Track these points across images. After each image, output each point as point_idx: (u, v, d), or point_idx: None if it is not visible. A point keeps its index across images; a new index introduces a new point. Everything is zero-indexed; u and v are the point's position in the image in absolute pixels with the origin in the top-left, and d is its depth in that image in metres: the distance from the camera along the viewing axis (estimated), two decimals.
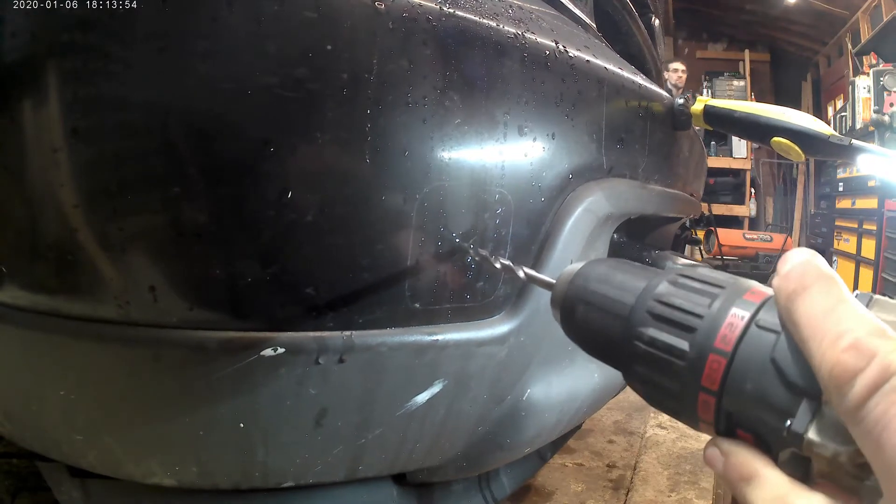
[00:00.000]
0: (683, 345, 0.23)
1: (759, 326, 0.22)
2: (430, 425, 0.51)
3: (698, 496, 1.34)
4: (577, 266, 0.31)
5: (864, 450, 0.18)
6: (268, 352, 0.42)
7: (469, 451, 0.57)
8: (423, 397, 0.49)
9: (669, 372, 0.23)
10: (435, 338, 0.47)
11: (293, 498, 0.53)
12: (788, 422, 0.20)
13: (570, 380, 0.62)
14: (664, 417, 1.84)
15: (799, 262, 0.21)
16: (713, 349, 0.22)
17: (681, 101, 0.79)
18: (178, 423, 0.45)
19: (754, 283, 0.24)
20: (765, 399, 0.21)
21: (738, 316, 0.22)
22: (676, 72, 3.86)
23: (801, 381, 0.20)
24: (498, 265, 0.42)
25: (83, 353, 0.44)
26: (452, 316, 0.48)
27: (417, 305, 0.46)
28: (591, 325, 0.28)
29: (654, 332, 0.24)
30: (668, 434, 1.70)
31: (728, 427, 0.22)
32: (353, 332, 0.44)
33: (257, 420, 0.45)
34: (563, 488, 1.36)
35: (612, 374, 0.71)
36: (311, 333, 0.43)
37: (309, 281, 0.42)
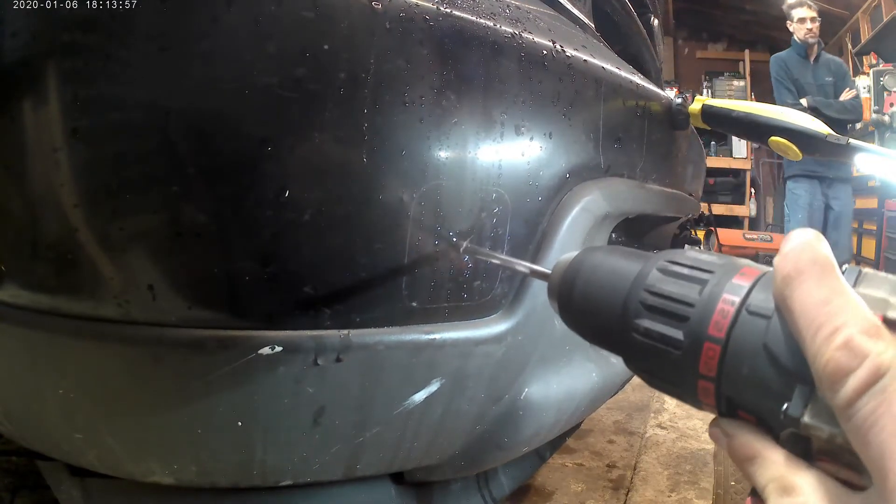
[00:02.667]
0: (678, 335, 0.23)
1: (749, 312, 0.22)
2: (427, 424, 0.51)
3: (698, 496, 1.34)
4: (572, 255, 0.31)
5: (854, 444, 0.18)
6: (266, 350, 0.42)
7: (467, 450, 0.57)
8: (420, 396, 0.49)
9: (667, 361, 0.24)
10: (432, 336, 0.47)
11: (291, 496, 0.53)
12: (785, 405, 0.20)
13: (568, 379, 0.62)
14: (664, 417, 1.84)
15: (797, 243, 0.21)
16: (707, 337, 0.22)
17: (679, 100, 0.80)
18: (177, 421, 0.45)
19: (745, 263, 0.24)
20: (761, 384, 0.21)
21: (728, 301, 0.22)
22: (804, 22, 2.67)
23: (794, 367, 0.20)
24: (497, 261, 0.42)
25: (83, 352, 0.44)
26: (450, 315, 0.48)
27: (415, 304, 0.46)
28: (588, 316, 0.28)
29: (648, 323, 0.24)
30: (668, 434, 1.70)
31: (730, 409, 0.23)
32: (351, 330, 0.44)
33: (256, 418, 0.45)
34: (563, 488, 1.36)
35: (611, 374, 0.71)
36: (309, 332, 0.43)
37: (307, 280, 0.42)
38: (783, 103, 2.69)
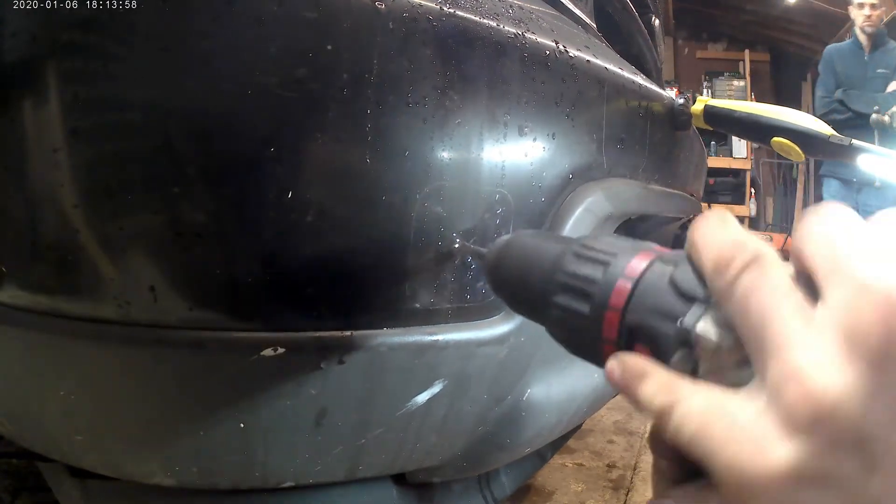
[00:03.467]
0: (597, 274, 0.26)
1: (662, 261, 0.25)
2: (429, 425, 0.51)
3: None
4: (505, 238, 0.35)
5: (737, 323, 0.20)
6: (268, 352, 0.42)
7: (469, 451, 0.57)
8: (422, 397, 0.49)
9: (582, 297, 0.27)
10: (435, 338, 0.47)
11: (293, 498, 0.53)
12: (679, 320, 0.23)
13: (570, 380, 0.62)
14: None
15: (703, 216, 0.25)
16: (623, 276, 0.25)
17: (681, 101, 0.79)
18: (179, 423, 0.45)
19: (654, 246, 0.28)
20: (661, 308, 0.24)
21: (646, 254, 0.26)
22: (862, 7, 2.36)
23: (694, 292, 0.23)
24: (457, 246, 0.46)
25: (83, 353, 0.44)
26: (452, 316, 0.48)
27: (417, 305, 0.46)
28: (515, 291, 0.33)
29: (574, 266, 0.28)
30: None
31: (628, 342, 0.25)
32: (353, 332, 0.44)
33: (257, 420, 0.45)
34: (563, 488, 1.36)
35: None
36: (311, 333, 0.43)
37: (309, 281, 0.42)
38: (817, 95, 2.56)
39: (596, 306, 0.26)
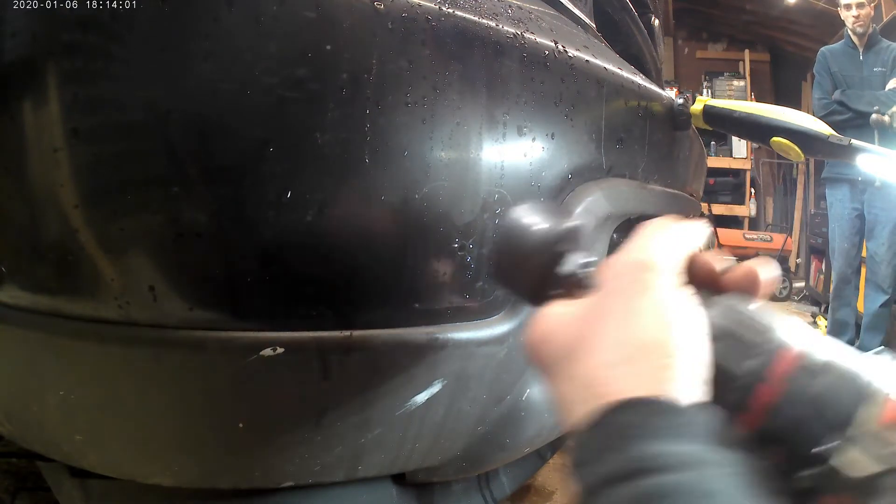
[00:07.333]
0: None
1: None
2: (429, 425, 0.51)
3: None
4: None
5: None
6: (267, 352, 0.42)
7: (469, 451, 0.57)
8: (422, 397, 0.49)
9: None
10: (434, 337, 0.47)
11: (293, 498, 0.53)
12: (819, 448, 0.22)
13: None
14: None
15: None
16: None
17: (680, 101, 0.79)
18: (178, 422, 0.45)
19: None
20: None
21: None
22: (850, 8, 2.36)
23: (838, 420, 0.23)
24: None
25: (83, 354, 0.44)
26: (452, 316, 0.48)
27: (417, 305, 0.46)
28: None
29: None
30: None
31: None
32: (353, 331, 0.44)
33: (257, 420, 0.45)
34: (564, 488, 1.36)
35: None
36: (311, 333, 0.43)
37: (308, 281, 0.42)
38: (814, 98, 2.56)
39: None
